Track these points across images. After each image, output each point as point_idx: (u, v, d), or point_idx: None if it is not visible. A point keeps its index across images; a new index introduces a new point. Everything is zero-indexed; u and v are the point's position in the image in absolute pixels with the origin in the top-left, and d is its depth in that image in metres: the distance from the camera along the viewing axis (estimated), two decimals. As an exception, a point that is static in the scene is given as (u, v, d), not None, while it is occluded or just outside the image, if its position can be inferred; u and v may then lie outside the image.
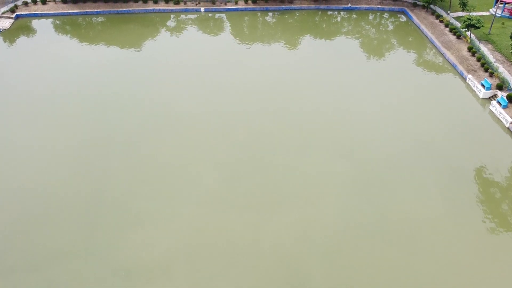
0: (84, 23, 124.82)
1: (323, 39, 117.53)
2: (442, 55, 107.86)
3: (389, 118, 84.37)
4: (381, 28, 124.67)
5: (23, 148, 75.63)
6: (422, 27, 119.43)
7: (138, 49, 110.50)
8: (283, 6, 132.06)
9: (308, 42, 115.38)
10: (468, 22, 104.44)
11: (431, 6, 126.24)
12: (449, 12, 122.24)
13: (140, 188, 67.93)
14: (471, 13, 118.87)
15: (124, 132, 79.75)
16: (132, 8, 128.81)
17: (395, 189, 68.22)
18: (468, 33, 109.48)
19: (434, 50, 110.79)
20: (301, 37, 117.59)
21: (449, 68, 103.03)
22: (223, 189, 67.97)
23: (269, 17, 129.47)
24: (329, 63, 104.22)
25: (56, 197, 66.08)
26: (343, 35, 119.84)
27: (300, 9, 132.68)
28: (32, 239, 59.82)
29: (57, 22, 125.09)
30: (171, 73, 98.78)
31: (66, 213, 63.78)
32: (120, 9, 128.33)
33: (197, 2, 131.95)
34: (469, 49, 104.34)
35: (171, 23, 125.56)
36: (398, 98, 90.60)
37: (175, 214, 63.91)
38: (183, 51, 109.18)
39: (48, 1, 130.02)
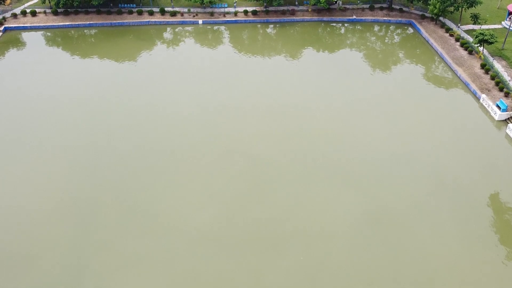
0: (76, 36, 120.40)
1: (327, 53, 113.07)
2: (453, 72, 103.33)
3: (399, 143, 79.70)
4: (387, 41, 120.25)
5: (6, 174, 71.17)
6: (431, 41, 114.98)
7: (133, 64, 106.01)
8: (285, 18, 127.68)
9: (311, 56, 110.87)
10: (480, 37, 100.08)
11: (441, 18, 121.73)
12: (459, 25, 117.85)
13: (130, 226, 63.16)
14: (482, 27, 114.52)
15: (115, 160, 75.07)
16: (126, 21, 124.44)
17: (408, 226, 63.48)
18: (481, 48, 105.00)
19: (444, 66, 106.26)
20: (303, 51, 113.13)
21: (461, 86, 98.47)
22: (220, 227, 63.22)
23: (270, 30, 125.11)
24: (334, 79, 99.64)
25: (42, 236, 61.39)
26: (348, 48, 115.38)
27: (303, 21, 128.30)
28: (18, 279, 55.12)
29: (48, 34, 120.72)
30: (166, 92, 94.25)
31: (51, 254, 59.05)
32: (114, 22, 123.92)
33: (195, 14, 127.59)
34: (482, 66, 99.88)
35: (167, 36, 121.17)
36: (408, 120, 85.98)
37: (167, 256, 59.15)
38: (180, 67, 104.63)
39: (38, 13, 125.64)
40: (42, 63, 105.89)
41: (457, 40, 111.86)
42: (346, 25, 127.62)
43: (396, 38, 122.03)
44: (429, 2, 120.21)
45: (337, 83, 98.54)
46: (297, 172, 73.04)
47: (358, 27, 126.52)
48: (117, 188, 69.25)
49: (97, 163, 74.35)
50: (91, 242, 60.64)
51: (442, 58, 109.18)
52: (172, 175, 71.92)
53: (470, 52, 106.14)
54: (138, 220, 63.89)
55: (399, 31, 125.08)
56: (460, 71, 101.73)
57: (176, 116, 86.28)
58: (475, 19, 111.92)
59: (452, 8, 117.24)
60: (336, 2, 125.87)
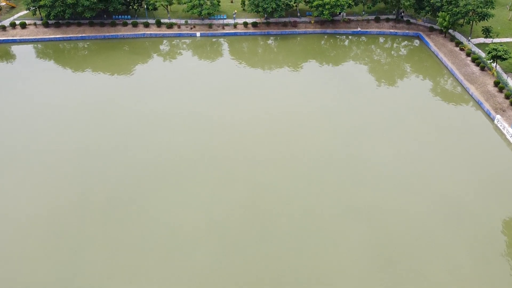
0: (67, 49, 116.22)
1: (330, 67, 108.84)
2: (465, 89, 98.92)
3: (408, 167, 75.20)
4: (393, 55, 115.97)
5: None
6: (441, 55, 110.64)
7: (127, 79, 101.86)
8: (286, 30, 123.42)
9: (314, 71, 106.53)
10: (494, 53, 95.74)
11: (450, 31, 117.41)
12: (469, 38, 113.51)
13: (119, 269, 58.59)
14: (494, 40, 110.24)
15: (104, 189, 70.51)
16: (120, 33, 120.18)
17: (422, 264, 58.81)
18: (494, 64, 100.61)
19: (454, 83, 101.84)
20: (306, 65, 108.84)
21: (473, 105, 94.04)
22: (219, 267, 58.54)
23: (271, 42, 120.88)
24: (338, 96, 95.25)
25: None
26: (352, 62, 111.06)
27: (305, 33, 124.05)
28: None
29: (39, 47, 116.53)
30: (161, 111, 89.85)
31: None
32: (108, 34, 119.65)
33: (192, 26, 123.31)
34: (496, 83, 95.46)
35: (163, 49, 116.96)
36: (417, 141, 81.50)
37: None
38: (176, 83, 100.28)
39: (28, 25, 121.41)
40: (33, 78, 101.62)
41: (468, 55, 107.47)
42: (350, 37, 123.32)
43: (403, 52, 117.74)
44: (438, 14, 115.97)
45: (342, 100, 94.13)
46: (301, 202, 68.53)
47: (363, 39, 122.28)
48: (106, 222, 64.71)
49: (85, 185, 69.82)
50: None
51: (452, 74, 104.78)
52: (164, 208, 67.28)
53: (482, 68, 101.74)
54: (131, 260, 59.24)
55: (406, 44, 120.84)
56: (472, 88, 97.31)
57: (171, 138, 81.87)
58: (487, 33, 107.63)
59: (462, 21, 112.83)
60: (340, 13, 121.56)
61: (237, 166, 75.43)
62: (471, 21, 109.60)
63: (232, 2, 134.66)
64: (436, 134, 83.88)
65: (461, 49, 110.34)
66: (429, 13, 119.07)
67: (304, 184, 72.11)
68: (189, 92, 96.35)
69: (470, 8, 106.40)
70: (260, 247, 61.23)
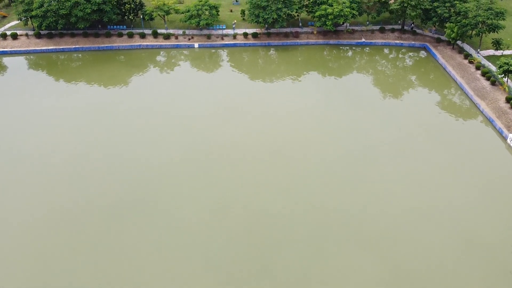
0: (60, 62, 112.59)
1: (334, 81, 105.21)
2: (475, 105, 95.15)
3: (417, 194, 71.28)
4: (399, 67, 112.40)
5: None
6: (449, 68, 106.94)
7: (121, 93, 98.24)
8: (288, 41, 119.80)
9: (316, 84, 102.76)
10: (505, 67, 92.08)
11: (458, 42, 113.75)
12: (479, 50, 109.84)
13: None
14: (504, 52, 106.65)
15: (93, 212, 66.69)
16: (115, 44, 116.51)
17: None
18: (505, 79, 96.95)
19: (464, 98, 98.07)
20: (308, 78, 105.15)
21: (485, 122, 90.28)
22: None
23: (272, 54, 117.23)
24: (342, 113, 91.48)
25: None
26: (356, 75, 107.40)
27: (307, 44, 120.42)
28: None
29: (31, 59, 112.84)
30: (158, 127, 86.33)
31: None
32: (102, 45, 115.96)
33: (190, 37, 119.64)
34: (508, 99, 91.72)
35: (160, 61, 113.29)
36: (426, 164, 77.66)
37: None
38: (173, 97, 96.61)
39: (20, 35, 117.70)
40: (24, 91, 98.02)
41: (477, 68, 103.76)
42: (354, 48, 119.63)
43: (409, 64, 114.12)
44: (446, 25, 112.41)
45: (347, 117, 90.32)
46: (305, 230, 64.71)
47: (368, 50, 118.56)
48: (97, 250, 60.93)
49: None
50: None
51: (461, 89, 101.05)
52: (156, 238, 63.40)
53: (493, 83, 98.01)
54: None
55: (412, 55, 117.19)
56: (482, 105, 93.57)
57: (165, 158, 78.03)
58: (497, 45, 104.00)
59: (472, 32, 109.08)
60: (343, 23, 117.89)
61: (236, 191, 71.69)
62: (481, 33, 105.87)
63: (231, 11, 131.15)
64: (446, 155, 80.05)
65: (470, 62, 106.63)
66: (437, 23, 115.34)
67: (308, 211, 68.27)
68: (186, 107, 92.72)
69: (480, 19, 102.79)
70: (261, 283, 57.30)
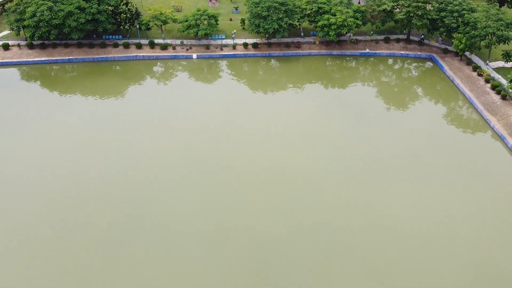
0: (53, 73, 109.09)
1: (337, 93, 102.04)
2: (485, 121, 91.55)
3: (427, 218, 67.90)
4: (404, 79, 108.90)
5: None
6: (457, 81, 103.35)
7: (116, 108, 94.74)
8: (289, 51, 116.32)
9: (319, 98, 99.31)
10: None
11: (466, 53, 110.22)
12: (488, 62, 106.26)
13: None
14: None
15: (85, 236, 63.08)
16: (111, 55, 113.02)
17: None
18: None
19: (473, 113, 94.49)
20: (310, 91, 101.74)
21: (496, 139, 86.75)
22: None
23: (273, 65, 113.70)
24: (346, 128, 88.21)
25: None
26: (360, 87, 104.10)
27: (309, 55, 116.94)
28: None
29: (23, 70, 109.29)
30: (154, 143, 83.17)
31: None
32: (97, 56, 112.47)
33: (188, 47, 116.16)
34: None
35: (157, 73, 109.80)
36: (435, 183, 74.38)
37: None
38: (170, 111, 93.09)
39: (12, 46, 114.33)
40: (15, 105, 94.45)
41: (487, 81, 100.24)
42: (358, 59, 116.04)
43: (415, 76, 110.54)
44: (454, 35, 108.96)
45: (350, 133, 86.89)
46: (308, 257, 61.47)
47: (372, 61, 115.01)
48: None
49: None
50: None
51: (470, 103, 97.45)
52: (154, 264, 59.82)
53: (504, 97, 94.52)
54: None
55: (418, 67, 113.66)
56: (493, 120, 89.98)
57: (161, 178, 74.63)
58: (507, 57, 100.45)
59: (482, 43, 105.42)
60: (347, 33, 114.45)
61: (236, 212, 68.48)
62: (490, 45, 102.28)
63: (231, 20, 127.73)
64: (456, 174, 76.65)
65: (479, 75, 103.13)
66: (444, 34, 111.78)
67: (312, 235, 64.95)
68: (184, 122, 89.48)
69: (490, 31, 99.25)
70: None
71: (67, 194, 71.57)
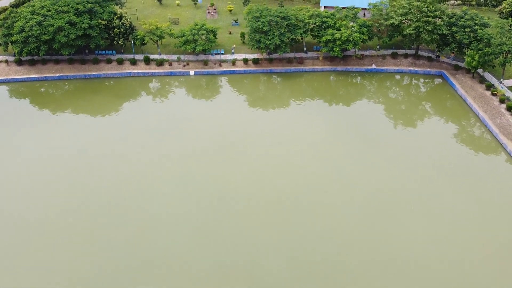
0: (43, 91, 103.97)
1: (341, 111, 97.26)
2: (502, 145, 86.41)
3: (443, 262, 62.70)
4: (413, 97, 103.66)
5: None
6: (469, 100, 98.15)
7: (110, 128, 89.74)
8: (291, 67, 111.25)
9: (323, 118, 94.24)
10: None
11: (479, 70, 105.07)
12: (501, 80, 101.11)
13: None
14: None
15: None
16: (104, 72, 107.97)
17: None
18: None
19: (488, 136, 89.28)
20: (314, 111, 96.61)
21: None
22: None
23: (274, 82, 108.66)
24: (352, 152, 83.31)
25: None
26: (367, 106, 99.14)
27: (313, 71, 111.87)
28: None
29: (11, 88, 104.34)
30: (148, 168, 78.46)
31: None
32: (89, 73, 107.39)
33: (185, 63, 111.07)
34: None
35: (152, 91, 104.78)
36: (449, 218, 69.36)
37: None
38: (166, 133, 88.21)
39: (0, 62, 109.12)
40: (2, 125, 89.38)
41: (501, 101, 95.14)
42: (364, 76, 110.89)
43: (425, 95, 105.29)
44: (466, 52, 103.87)
45: (358, 160, 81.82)
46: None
47: (378, 78, 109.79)
48: None
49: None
50: None
51: (484, 125, 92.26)
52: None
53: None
54: None
55: (428, 84, 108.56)
56: (509, 145, 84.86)
57: (155, 211, 69.61)
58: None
59: (497, 61, 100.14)
60: (353, 48, 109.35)
61: (236, 250, 63.76)
62: (505, 63, 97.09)
63: (230, 33, 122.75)
64: (474, 208, 71.50)
65: (493, 94, 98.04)
66: (455, 50, 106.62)
67: (317, 274, 59.75)
68: (179, 146, 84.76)
69: (506, 48, 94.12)
70: None
71: (57, 225, 66.50)
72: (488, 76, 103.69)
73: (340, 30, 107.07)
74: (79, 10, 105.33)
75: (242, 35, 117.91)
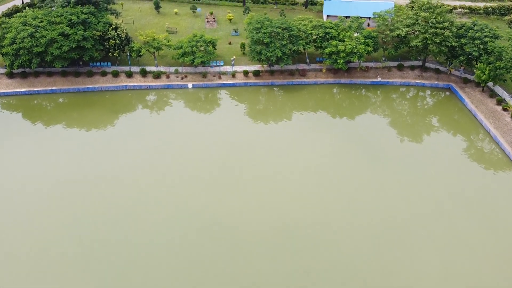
0: (35, 105, 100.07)
1: (346, 127, 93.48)
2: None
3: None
4: (420, 112, 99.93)
5: None
6: (480, 116, 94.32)
7: (104, 145, 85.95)
8: (293, 80, 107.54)
9: (327, 133, 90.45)
10: (551, 122, 79.38)
11: (489, 84, 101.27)
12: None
13: None
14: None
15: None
16: (98, 85, 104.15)
17: None
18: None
19: (500, 156, 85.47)
20: (317, 126, 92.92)
21: (528, 189, 77.60)
22: None
23: (275, 95, 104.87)
24: (359, 172, 79.56)
25: None
26: (372, 121, 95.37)
27: (315, 83, 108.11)
28: None
29: (2, 102, 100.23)
30: (142, 194, 74.36)
31: None
32: (83, 87, 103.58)
33: (183, 76, 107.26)
34: (555, 161, 78.93)
35: (149, 104, 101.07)
36: (468, 252, 65.69)
37: None
38: (160, 155, 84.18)
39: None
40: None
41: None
42: (369, 88, 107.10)
43: (432, 109, 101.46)
44: (475, 65, 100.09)
45: (365, 182, 78.10)
46: None
47: (384, 91, 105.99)
48: None
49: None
50: None
51: (496, 143, 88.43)
52: None
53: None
54: None
55: (435, 98, 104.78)
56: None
57: (146, 243, 65.74)
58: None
59: (508, 75, 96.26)
60: (358, 60, 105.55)
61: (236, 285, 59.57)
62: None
63: (230, 43, 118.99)
64: (489, 239, 67.48)
65: (505, 109, 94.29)
66: (464, 62, 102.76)
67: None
68: (176, 166, 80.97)
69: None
70: None
71: (47, 256, 62.59)
72: (499, 90, 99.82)
73: (344, 41, 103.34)
74: (72, 21, 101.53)
75: (242, 45, 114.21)
